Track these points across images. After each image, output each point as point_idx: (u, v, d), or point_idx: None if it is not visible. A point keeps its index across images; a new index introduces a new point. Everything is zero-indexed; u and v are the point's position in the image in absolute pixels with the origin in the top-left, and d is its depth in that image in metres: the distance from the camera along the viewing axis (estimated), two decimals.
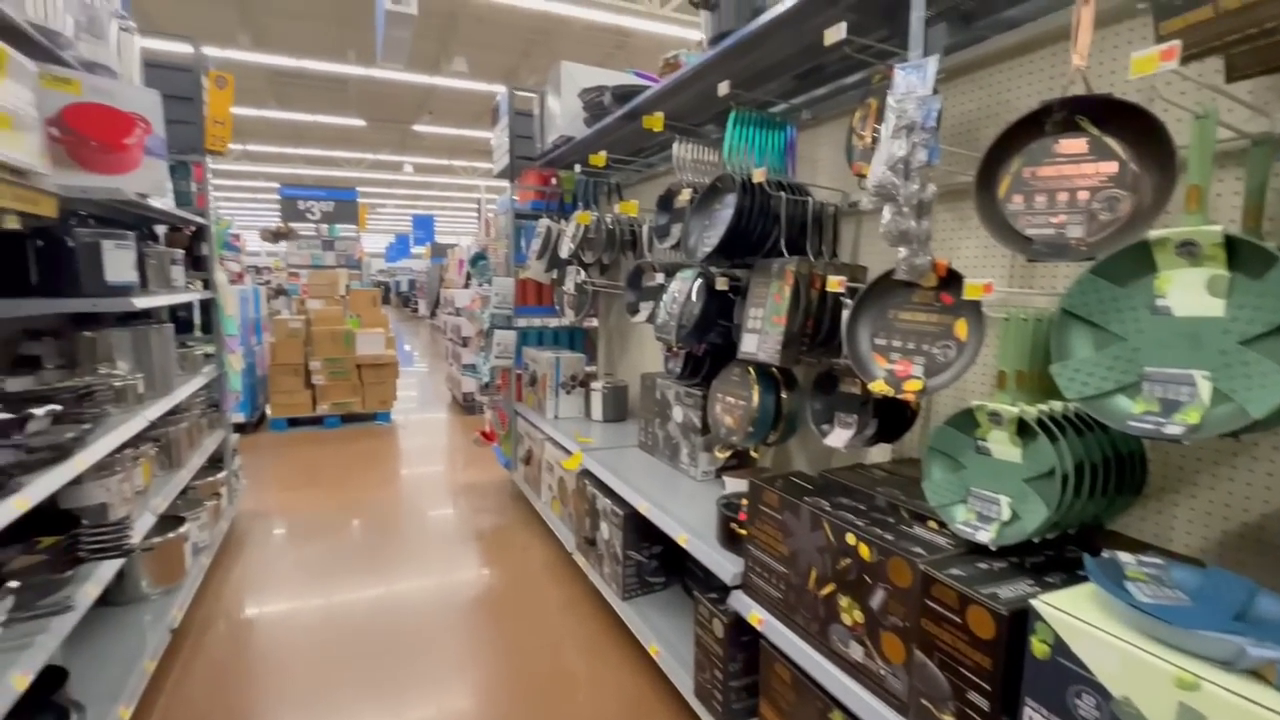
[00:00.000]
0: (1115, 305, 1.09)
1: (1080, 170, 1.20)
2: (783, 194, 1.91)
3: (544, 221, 3.73)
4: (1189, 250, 1.00)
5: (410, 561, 3.23)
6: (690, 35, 9.41)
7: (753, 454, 2.40)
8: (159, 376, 2.41)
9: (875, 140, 1.67)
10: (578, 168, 3.35)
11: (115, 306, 2.03)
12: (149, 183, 2.17)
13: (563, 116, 3.27)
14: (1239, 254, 0.96)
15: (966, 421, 1.28)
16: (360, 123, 15.73)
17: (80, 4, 2.12)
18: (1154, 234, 1.03)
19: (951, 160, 1.57)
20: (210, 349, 3.24)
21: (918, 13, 1.27)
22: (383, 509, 3.96)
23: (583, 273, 3.49)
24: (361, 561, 3.21)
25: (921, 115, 1.23)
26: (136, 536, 1.93)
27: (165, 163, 2.26)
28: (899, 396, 1.40)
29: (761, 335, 1.89)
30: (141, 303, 2.13)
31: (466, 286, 11.84)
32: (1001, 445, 1.22)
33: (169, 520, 2.57)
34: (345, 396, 6.12)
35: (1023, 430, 1.19)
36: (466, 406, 7.02)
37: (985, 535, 1.20)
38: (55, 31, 1.93)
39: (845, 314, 1.58)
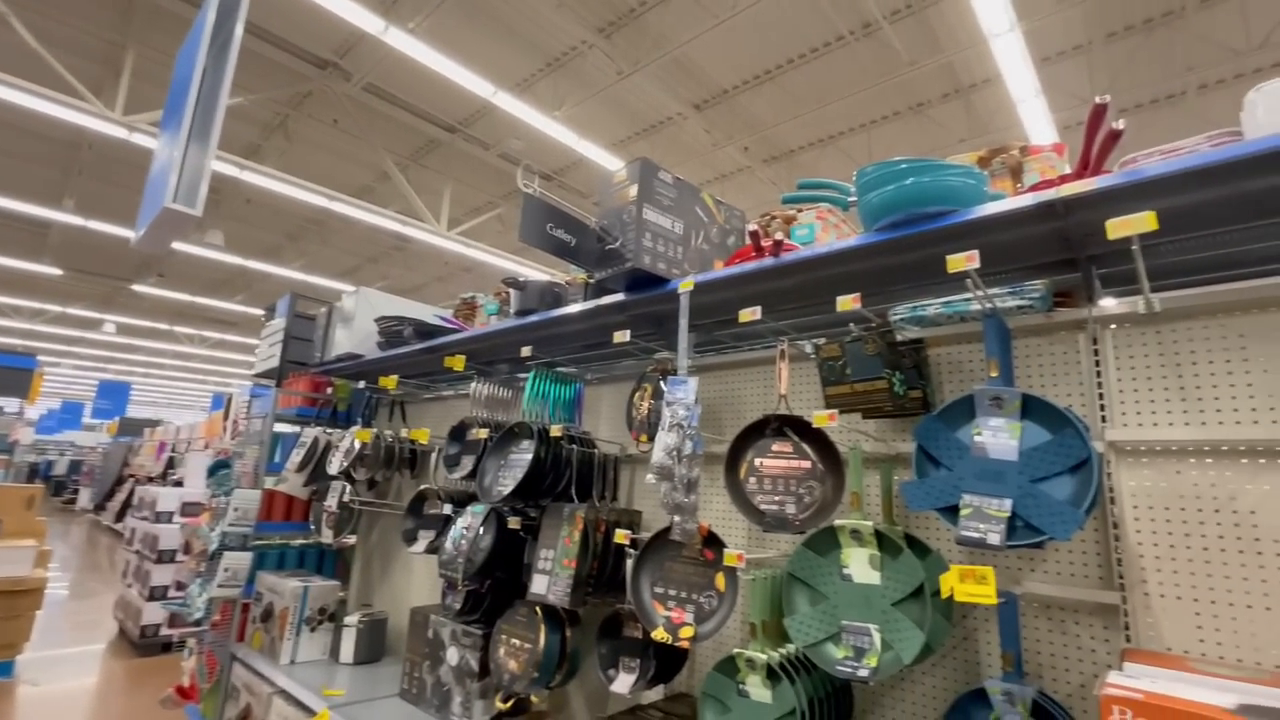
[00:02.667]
0: (820, 571, 1.52)
1: (790, 464, 1.70)
2: (575, 446, 2.20)
3: (311, 431, 3.51)
4: (856, 535, 1.48)
5: None
6: (469, 253, 10.31)
7: (534, 699, 2.34)
8: None
9: (650, 413, 2.11)
10: (362, 383, 3.34)
11: None
12: None
13: (354, 334, 3.31)
14: (883, 540, 1.45)
15: (730, 666, 1.54)
16: (56, 271, 13.17)
17: None
18: (837, 522, 1.50)
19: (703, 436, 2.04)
20: None
21: (683, 345, 1.76)
22: None
23: (349, 490, 3.28)
24: None
25: (687, 418, 1.65)
26: None
27: None
28: (676, 644, 1.62)
29: (552, 577, 2.02)
30: None
31: (165, 479, 9.73)
32: (757, 689, 1.49)
33: None
34: None
35: (771, 673, 1.48)
36: (144, 646, 5.39)
37: None
38: None
39: (629, 563, 1.82)
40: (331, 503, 3.29)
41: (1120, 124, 1.18)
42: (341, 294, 3.55)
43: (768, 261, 1.60)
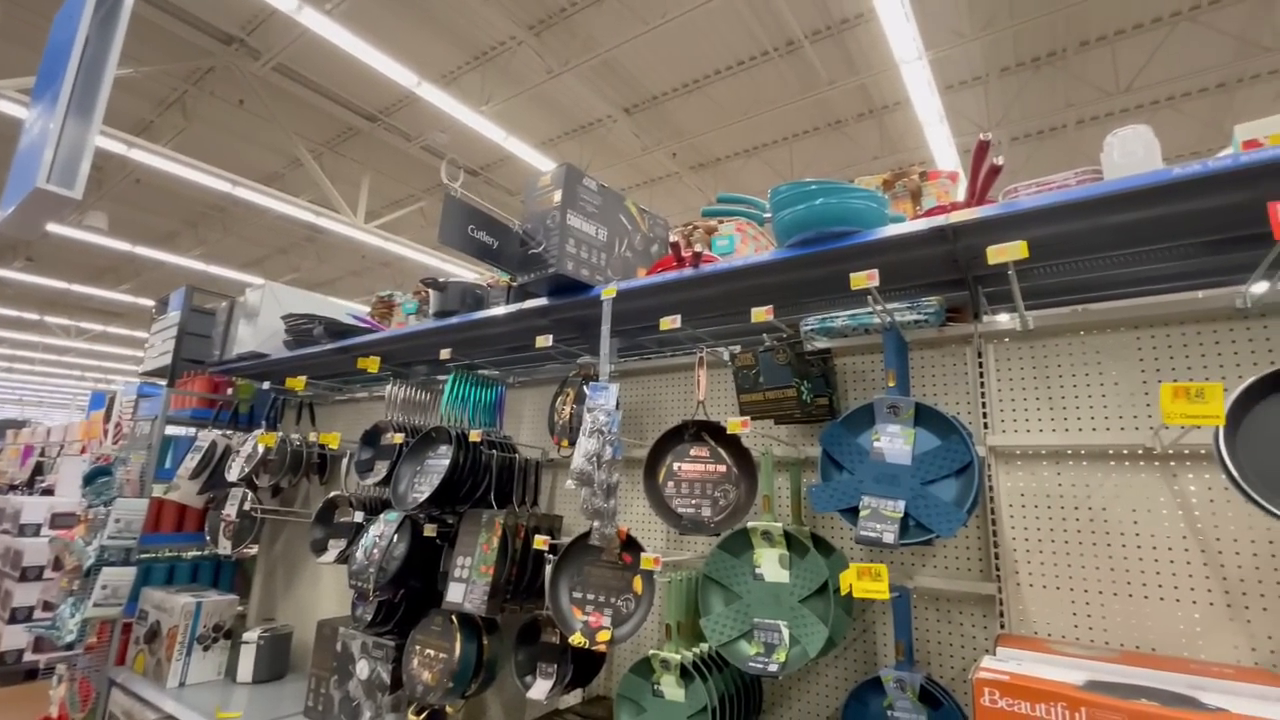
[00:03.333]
0: (734, 571, 1.57)
1: (706, 468, 1.75)
2: (495, 451, 2.17)
3: (208, 434, 3.27)
4: (767, 537, 1.54)
5: None
6: (388, 248, 9.91)
7: (448, 709, 2.29)
8: None
9: (572, 417, 2.11)
10: (267, 383, 3.14)
11: None
12: None
13: (259, 331, 3.11)
14: (792, 540, 1.53)
15: (645, 668, 1.57)
16: None
17: None
18: (749, 524, 1.56)
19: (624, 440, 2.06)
20: None
21: (605, 352, 1.78)
22: None
23: (251, 497, 3.08)
24: None
25: (608, 423, 1.67)
26: None
27: None
28: (593, 648, 1.64)
29: (469, 585, 1.98)
30: None
31: (32, 488, 8.74)
32: (670, 689, 1.52)
33: None
34: None
35: (685, 673, 1.53)
36: (4, 674, 4.82)
37: None
38: None
39: (548, 569, 1.81)
40: (231, 511, 3.07)
41: (1000, 160, 1.30)
42: (246, 286, 3.33)
43: (687, 272, 1.65)
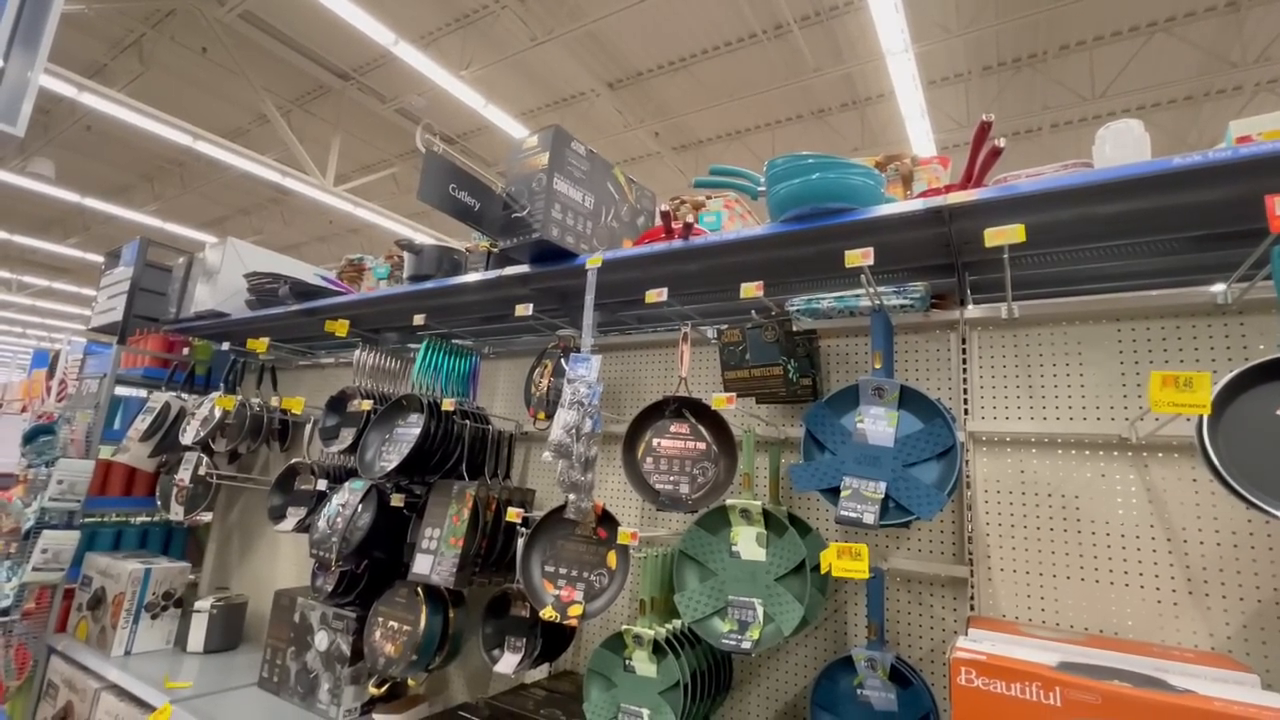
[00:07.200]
0: (711, 549, 1.56)
1: (686, 445, 1.73)
2: (468, 421, 2.11)
3: (161, 395, 3.12)
4: (745, 514, 1.53)
5: None
6: (357, 213, 9.58)
7: (410, 682, 2.25)
8: None
9: (550, 390, 2.06)
10: (226, 344, 3.00)
11: None
12: None
13: (218, 290, 2.96)
14: (770, 519, 1.52)
15: (617, 643, 1.56)
16: None
17: None
18: (728, 501, 1.55)
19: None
20: None
21: (588, 322, 1.73)
22: None
23: (207, 462, 2.96)
24: None
25: (589, 396, 1.63)
26: None
27: None
28: (564, 623, 1.61)
29: (437, 556, 1.93)
30: None
31: None
32: (642, 664, 1.51)
33: None
34: None
35: (657, 648, 1.51)
36: None
37: None
38: None
39: (520, 542, 1.78)
40: (184, 476, 2.95)
41: (1001, 142, 1.29)
42: (205, 245, 3.16)
43: (677, 244, 1.61)
